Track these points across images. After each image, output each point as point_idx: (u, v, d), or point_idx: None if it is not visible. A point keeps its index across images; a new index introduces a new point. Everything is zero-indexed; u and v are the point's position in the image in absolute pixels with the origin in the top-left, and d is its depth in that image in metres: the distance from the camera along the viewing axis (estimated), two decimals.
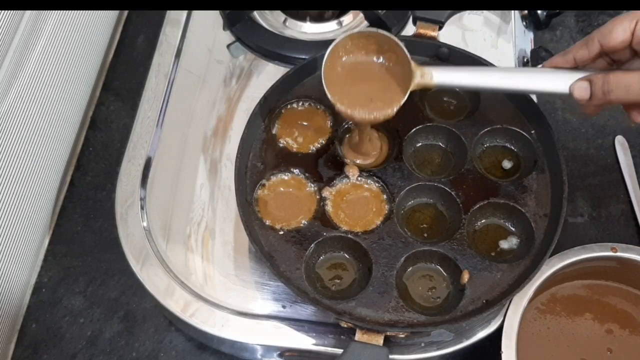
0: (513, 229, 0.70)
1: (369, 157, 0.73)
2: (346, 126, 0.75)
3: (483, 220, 0.70)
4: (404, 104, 0.65)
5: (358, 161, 0.72)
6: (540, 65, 0.65)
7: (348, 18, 0.90)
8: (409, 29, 0.86)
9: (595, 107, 0.62)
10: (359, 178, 0.71)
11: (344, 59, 0.67)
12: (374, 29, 0.65)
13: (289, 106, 0.76)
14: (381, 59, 0.66)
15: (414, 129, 0.74)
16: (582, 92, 0.62)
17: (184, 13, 0.90)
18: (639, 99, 0.59)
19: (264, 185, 0.71)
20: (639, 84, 0.58)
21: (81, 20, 0.87)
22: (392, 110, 0.65)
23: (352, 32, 0.66)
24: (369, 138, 0.72)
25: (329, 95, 0.66)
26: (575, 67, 0.63)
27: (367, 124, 0.69)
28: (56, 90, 0.83)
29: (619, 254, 0.71)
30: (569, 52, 0.63)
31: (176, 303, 0.71)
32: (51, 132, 0.83)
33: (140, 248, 0.73)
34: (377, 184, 0.71)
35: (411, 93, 0.64)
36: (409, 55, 0.64)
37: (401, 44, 0.64)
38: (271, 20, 0.90)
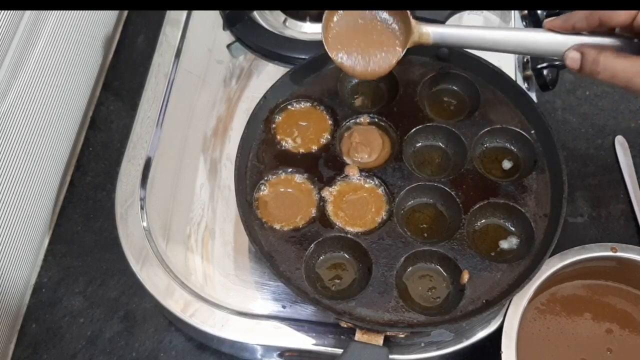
0: (513, 229, 0.70)
1: (369, 156, 0.73)
2: (346, 125, 0.75)
3: (483, 220, 0.70)
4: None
5: (359, 159, 0.72)
6: (546, 21, 0.66)
7: None
8: None
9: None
10: (359, 178, 0.71)
11: (344, 15, 0.68)
12: None
13: (289, 106, 0.76)
14: (382, 16, 0.67)
15: (414, 129, 0.74)
16: (573, 62, 0.63)
17: (184, 13, 0.90)
18: (622, 85, 0.60)
19: (264, 185, 0.71)
20: (624, 72, 0.59)
21: (81, 20, 0.87)
22: (391, 63, 0.67)
23: None
24: (371, 136, 0.73)
25: (328, 51, 0.67)
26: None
27: (368, 78, 0.70)
28: (56, 90, 0.83)
29: (619, 254, 0.71)
30: (570, 18, 0.63)
31: (176, 303, 0.71)
32: (51, 132, 0.83)
33: (140, 248, 0.73)
34: (377, 184, 0.71)
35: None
36: (409, 12, 0.66)
37: None
38: (271, 20, 0.90)
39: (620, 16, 0.60)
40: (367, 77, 0.70)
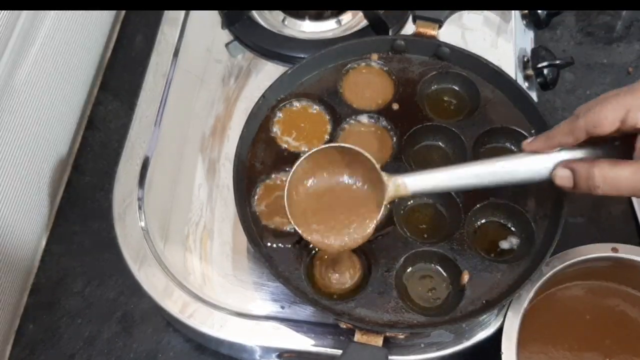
0: (513, 229, 0.70)
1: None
2: (346, 126, 0.74)
3: (483, 220, 0.70)
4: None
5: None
6: (524, 143, 0.60)
7: (347, 17, 0.89)
8: (409, 28, 0.86)
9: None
10: None
11: (306, 183, 0.62)
12: (333, 145, 0.62)
13: (288, 105, 0.76)
14: (347, 180, 0.63)
15: (414, 129, 0.73)
16: (564, 181, 0.57)
17: (182, 12, 0.89)
18: (629, 194, 0.54)
19: (262, 185, 0.71)
20: (628, 181, 0.53)
21: (78, 20, 0.87)
22: (369, 229, 0.61)
23: (308, 152, 0.61)
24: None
25: (296, 228, 0.61)
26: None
27: (347, 250, 0.64)
28: (54, 90, 0.82)
29: (619, 254, 0.71)
30: (553, 136, 0.58)
31: (174, 304, 0.71)
32: (49, 132, 0.83)
33: (138, 248, 0.73)
34: None
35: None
36: (378, 167, 0.60)
37: (367, 154, 0.60)
38: (270, 19, 0.89)
39: (606, 126, 0.53)
40: (344, 249, 0.63)
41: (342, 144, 0.62)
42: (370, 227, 0.62)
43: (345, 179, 0.63)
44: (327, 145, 0.62)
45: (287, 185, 0.61)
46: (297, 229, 0.62)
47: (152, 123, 0.81)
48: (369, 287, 0.65)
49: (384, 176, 0.61)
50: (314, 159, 0.62)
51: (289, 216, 0.61)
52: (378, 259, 0.67)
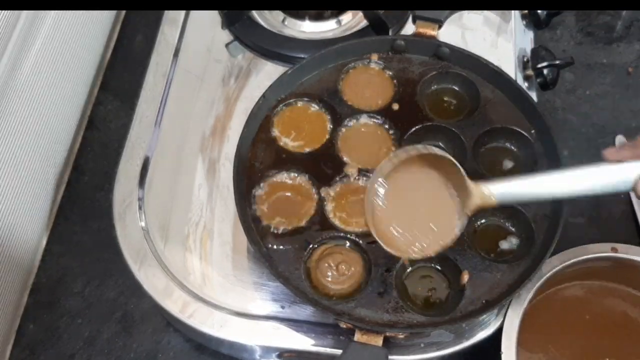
0: (513, 229, 0.70)
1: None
2: (346, 126, 0.74)
3: (483, 221, 0.70)
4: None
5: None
6: (607, 152, 0.58)
7: (347, 17, 0.89)
8: (409, 28, 0.86)
9: None
10: (359, 178, 0.71)
11: (387, 188, 0.60)
12: (420, 148, 0.59)
13: (288, 105, 0.76)
14: (430, 183, 0.61)
15: (414, 129, 0.73)
16: None
17: (182, 12, 0.89)
18: None
19: (262, 185, 0.71)
20: None
21: (79, 20, 0.87)
22: (450, 239, 0.61)
23: (392, 156, 0.59)
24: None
25: (375, 237, 0.60)
26: None
27: (424, 256, 0.63)
28: (54, 90, 0.82)
29: (619, 254, 0.71)
30: None
31: (174, 304, 0.71)
32: (49, 132, 0.83)
33: (138, 248, 0.73)
34: None
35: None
36: (465, 174, 0.59)
37: (455, 161, 0.59)
38: (270, 19, 0.89)
39: None
40: (423, 256, 0.62)
41: (430, 150, 0.59)
42: (451, 236, 0.60)
43: (429, 185, 0.61)
44: (412, 151, 0.59)
45: (368, 188, 0.59)
46: (376, 237, 0.60)
47: (153, 123, 0.81)
48: (369, 287, 0.65)
49: (470, 184, 0.59)
50: (399, 163, 0.60)
51: (368, 219, 0.59)
52: (378, 259, 0.67)
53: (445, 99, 0.78)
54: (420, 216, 0.61)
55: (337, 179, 0.71)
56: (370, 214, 0.60)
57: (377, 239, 0.61)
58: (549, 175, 0.61)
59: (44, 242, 0.85)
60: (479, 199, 0.60)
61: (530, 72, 0.85)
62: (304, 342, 0.69)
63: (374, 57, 0.78)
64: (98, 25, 0.94)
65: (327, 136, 0.74)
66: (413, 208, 0.61)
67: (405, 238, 0.61)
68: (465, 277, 0.65)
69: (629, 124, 0.92)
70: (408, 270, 0.68)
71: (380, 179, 0.60)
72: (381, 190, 0.60)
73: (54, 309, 0.80)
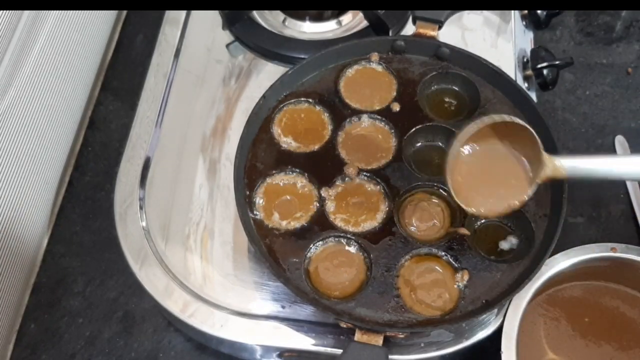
0: (513, 229, 0.70)
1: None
2: (346, 126, 0.74)
3: (483, 220, 0.70)
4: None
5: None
6: None
7: (347, 17, 0.90)
8: (409, 29, 0.86)
9: None
10: (359, 178, 0.71)
11: (467, 151, 0.63)
12: (505, 117, 0.61)
13: (288, 106, 0.76)
14: (506, 148, 0.63)
15: (414, 129, 0.74)
16: None
17: (183, 12, 0.89)
18: None
19: (263, 185, 0.71)
20: None
21: (80, 20, 0.87)
22: (518, 202, 0.62)
23: (477, 121, 0.61)
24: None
25: (458, 201, 0.63)
26: None
27: (490, 217, 0.67)
28: (55, 90, 0.82)
29: (618, 254, 0.71)
30: None
31: (175, 303, 0.71)
32: (50, 132, 0.83)
33: (139, 248, 0.73)
34: (376, 184, 0.71)
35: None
36: (540, 144, 0.61)
37: (532, 131, 0.60)
38: (270, 19, 0.90)
39: None
40: (489, 216, 0.67)
41: (513, 119, 0.61)
42: (521, 200, 0.62)
43: (504, 152, 0.63)
44: (497, 118, 0.62)
45: (452, 146, 0.62)
46: (451, 189, 0.63)
47: (153, 123, 0.81)
48: (369, 287, 0.66)
49: (545, 155, 0.61)
50: (484, 127, 0.61)
51: (449, 178, 0.62)
52: (378, 258, 0.67)
53: (446, 99, 0.78)
54: (494, 178, 0.64)
55: (337, 179, 0.71)
56: (450, 168, 0.62)
57: (451, 190, 0.63)
58: (621, 157, 0.64)
59: (45, 242, 0.85)
60: (551, 170, 0.61)
61: (530, 72, 0.85)
62: (304, 342, 0.69)
63: (374, 57, 0.78)
64: (99, 25, 0.94)
65: (328, 136, 0.74)
66: (488, 171, 0.64)
67: (481, 195, 0.63)
68: (465, 277, 0.66)
69: (628, 124, 0.93)
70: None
71: (464, 139, 0.62)
72: (464, 149, 0.63)
73: (54, 308, 0.80)
